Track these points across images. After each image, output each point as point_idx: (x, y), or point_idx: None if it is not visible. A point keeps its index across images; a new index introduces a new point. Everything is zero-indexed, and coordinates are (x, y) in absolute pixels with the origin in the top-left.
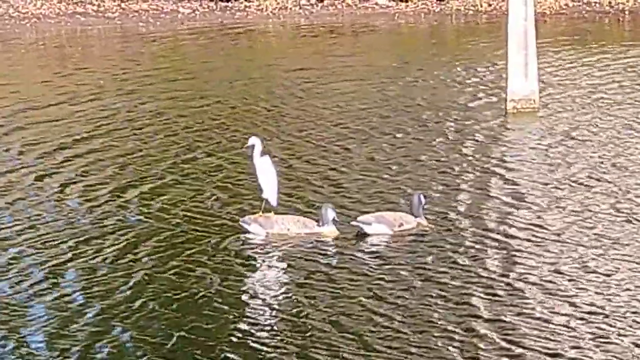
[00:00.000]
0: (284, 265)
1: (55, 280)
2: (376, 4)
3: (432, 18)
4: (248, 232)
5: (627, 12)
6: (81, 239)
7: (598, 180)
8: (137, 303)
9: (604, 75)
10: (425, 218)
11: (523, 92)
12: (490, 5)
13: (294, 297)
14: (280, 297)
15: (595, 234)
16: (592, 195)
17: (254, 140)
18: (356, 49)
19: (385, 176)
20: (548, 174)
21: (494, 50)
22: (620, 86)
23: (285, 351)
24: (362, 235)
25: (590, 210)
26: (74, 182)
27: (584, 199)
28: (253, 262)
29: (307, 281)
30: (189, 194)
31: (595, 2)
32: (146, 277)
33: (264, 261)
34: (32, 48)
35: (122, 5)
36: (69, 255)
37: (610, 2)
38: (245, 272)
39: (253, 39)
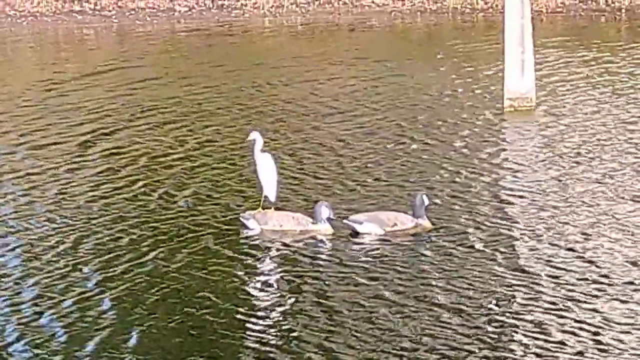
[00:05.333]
0: (272, 263)
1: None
2: (373, 2)
3: (429, 16)
4: (246, 227)
5: (623, 11)
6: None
7: (596, 178)
8: (128, 300)
9: (601, 73)
10: (428, 219)
11: (520, 91)
12: (487, 3)
13: (279, 295)
14: (265, 295)
15: (592, 229)
16: (589, 194)
17: (254, 135)
18: (352, 47)
19: (384, 175)
20: (545, 172)
21: (491, 49)
22: (617, 84)
23: (273, 348)
24: (354, 235)
25: (587, 207)
26: (68, 178)
27: (581, 196)
28: (243, 260)
29: (293, 279)
30: (188, 187)
31: (592, 0)
32: (138, 272)
33: (254, 259)
34: (28, 46)
35: (119, 3)
36: (63, 244)
37: (606, 0)
38: (232, 271)
39: (249, 37)
